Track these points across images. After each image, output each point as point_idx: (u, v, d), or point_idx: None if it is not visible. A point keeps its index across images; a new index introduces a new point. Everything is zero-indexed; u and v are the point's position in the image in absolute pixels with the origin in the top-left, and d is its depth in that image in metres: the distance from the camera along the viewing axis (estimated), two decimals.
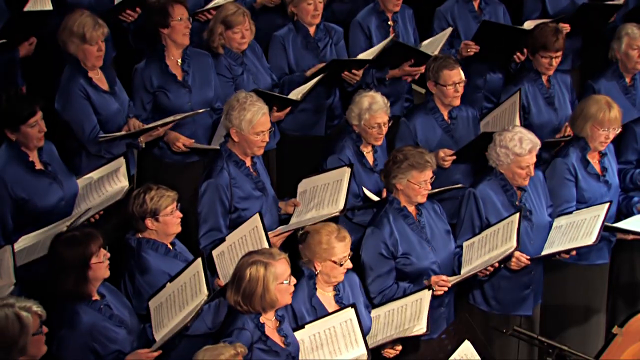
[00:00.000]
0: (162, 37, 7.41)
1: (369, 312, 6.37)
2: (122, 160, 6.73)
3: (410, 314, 6.26)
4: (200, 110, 7.25)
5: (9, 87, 7.19)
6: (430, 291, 6.31)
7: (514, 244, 6.54)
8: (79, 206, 6.65)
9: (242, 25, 7.63)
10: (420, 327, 6.16)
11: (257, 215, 6.36)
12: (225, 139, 6.76)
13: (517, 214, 6.62)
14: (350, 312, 5.96)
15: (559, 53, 7.91)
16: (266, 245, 6.25)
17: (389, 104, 7.28)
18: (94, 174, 6.73)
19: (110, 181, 6.67)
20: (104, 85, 7.13)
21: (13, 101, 6.46)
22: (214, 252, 6.41)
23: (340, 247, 6.05)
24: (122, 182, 6.62)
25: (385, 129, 7.23)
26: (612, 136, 7.22)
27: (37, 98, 6.52)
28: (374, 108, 7.18)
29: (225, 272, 6.29)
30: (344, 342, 5.92)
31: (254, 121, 6.59)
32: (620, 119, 7.22)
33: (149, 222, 6.10)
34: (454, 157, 7.41)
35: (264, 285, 5.54)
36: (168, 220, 6.12)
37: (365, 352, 5.93)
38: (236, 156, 6.69)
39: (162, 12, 7.34)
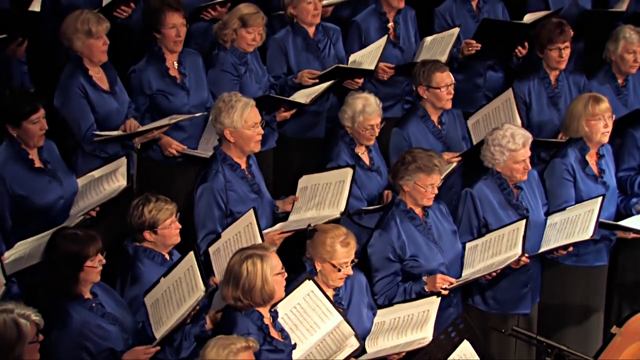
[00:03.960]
0: (157, 39, 7.41)
1: (373, 314, 6.36)
2: (123, 160, 6.73)
3: (415, 323, 6.26)
4: (197, 114, 7.25)
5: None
6: (439, 298, 6.29)
7: (519, 251, 6.55)
8: (77, 204, 6.65)
9: (257, 28, 7.63)
10: (424, 337, 6.14)
11: (251, 212, 6.34)
12: (219, 142, 6.75)
13: (524, 221, 6.62)
14: (308, 284, 5.91)
15: (567, 43, 7.92)
16: (259, 242, 6.23)
17: (381, 105, 7.27)
18: (96, 173, 6.74)
19: (109, 180, 6.67)
20: (104, 85, 7.14)
21: (16, 97, 6.51)
22: (210, 249, 6.39)
23: (342, 252, 6.05)
24: (120, 181, 6.62)
25: (377, 130, 7.23)
26: (610, 124, 7.20)
27: (40, 95, 6.55)
28: (367, 110, 7.17)
29: (220, 269, 6.26)
30: (316, 316, 5.87)
31: (245, 114, 6.58)
32: (610, 107, 7.22)
33: (147, 234, 6.09)
34: (459, 159, 7.41)
35: (262, 278, 5.56)
36: (166, 232, 6.11)
37: (340, 318, 5.89)
38: (231, 159, 6.67)
39: (155, 17, 7.33)
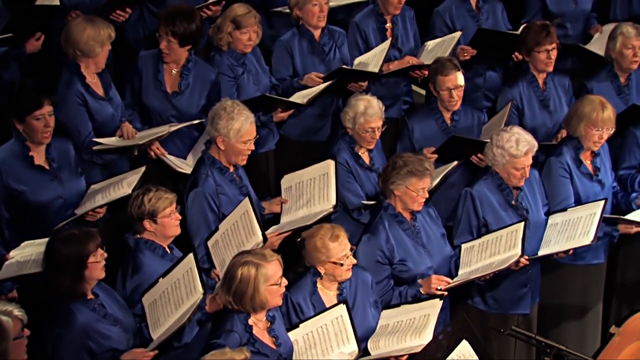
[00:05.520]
0: None
1: (379, 312, 6.36)
2: (142, 169, 6.74)
3: (415, 327, 6.25)
4: (196, 121, 7.28)
5: (13, 82, 7.23)
6: (442, 301, 6.28)
7: (519, 251, 6.53)
8: (83, 205, 6.65)
9: (251, 27, 7.63)
10: (421, 345, 6.11)
11: (246, 200, 6.35)
12: (206, 146, 6.76)
13: (522, 223, 6.61)
14: (341, 308, 5.95)
15: (554, 45, 7.91)
16: (257, 228, 6.23)
17: (383, 109, 7.28)
18: (114, 179, 6.76)
19: (116, 187, 6.69)
20: (100, 91, 7.13)
21: (23, 91, 6.50)
22: (209, 242, 6.40)
23: (336, 247, 6.05)
24: (124, 189, 6.63)
25: (378, 133, 7.23)
26: (605, 136, 7.22)
27: (47, 92, 6.53)
28: (369, 112, 7.17)
29: (220, 261, 6.30)
30: (335, 340, 5.91)
31: (242, 130, 6.58)
32: (614, 120, 7.22)
33: (147, 223, 6.10)
34: (436, 156, 7.40)
35: (254, 286, 5.55)
36: (166, 222, 6.11)
37: (355, 348, 5.93)
38: (220, 162, 6.68)
39: (158, 28, 7.36)
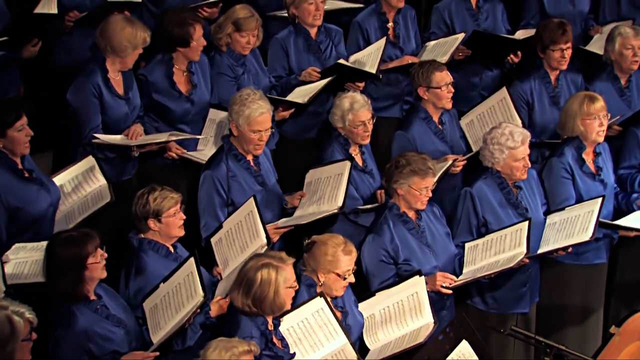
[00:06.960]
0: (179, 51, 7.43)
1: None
2: (91, 159, 6.76)
3: (409, 309, 6.26)
4: (199, 136, 7.35)
5: (8, 88, 7.21)
6: (422, 277, 6.29)
7: (524, 249, 6.55)
8: (58, 208, 6.62)
9: (251, 32, 7.66)
10: (427, 322, 6.14)
11: (251, 200, 6.36)
12: (229, 132, 6.83)
13: (526, 222, 6.63)
14: (319, 301, 5.91)
15: (569, 44, 7.94)
16: (261, 230, 6.24)
17: (369, 102, 7.28)
18: (64, 175, 6.70)
19: (88, 180, 6.68)
20: (120, 89, 7.15)
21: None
22: (212, 240, 6.43)
23: (346, 261, 6.04)
24: (100, 181, 6.64)
25: (370, 126, 7.21)
26: (605, 123, 7.21)
27: (22, 102, 6.51)
28: (355, 107, 7.17)
29: (223, 259, 6.32)
30: (322, 334, 5.87)
31: (251, 118, 6.65)
32: (605, 106, 7.22)
33: (151, 222, 6.10)
34: (465, 162, 7.41)
35: (275, 289, 5.55)
36: (170, 221, 6.12)
37: (345, 341, 5.90)
38: (236, 150, 6.77)
39: (183, 30, 7.31)
